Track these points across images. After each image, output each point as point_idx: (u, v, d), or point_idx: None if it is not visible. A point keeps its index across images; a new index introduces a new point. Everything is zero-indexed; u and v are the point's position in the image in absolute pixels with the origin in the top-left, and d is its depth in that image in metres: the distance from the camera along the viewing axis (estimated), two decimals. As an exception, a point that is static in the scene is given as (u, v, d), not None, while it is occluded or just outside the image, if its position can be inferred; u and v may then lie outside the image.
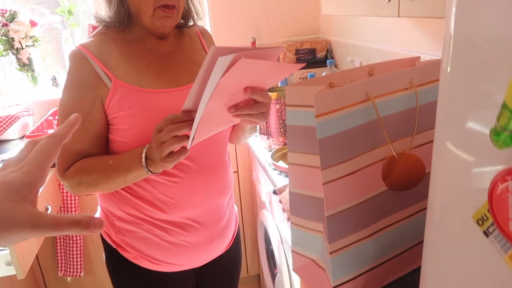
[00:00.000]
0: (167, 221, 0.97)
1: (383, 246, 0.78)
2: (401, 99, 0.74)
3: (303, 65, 0.82)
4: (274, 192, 1.24)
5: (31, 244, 1.44)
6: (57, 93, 2.25)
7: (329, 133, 0.68)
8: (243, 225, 2.04)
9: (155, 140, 0.78)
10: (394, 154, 0.73)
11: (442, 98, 0.47)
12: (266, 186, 1.56)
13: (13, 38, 2.03)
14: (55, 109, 2.09)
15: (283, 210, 1.17)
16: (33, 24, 2.05)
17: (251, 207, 2.03)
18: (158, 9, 0.89)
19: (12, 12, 2.03)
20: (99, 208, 1.08)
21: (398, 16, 1.03)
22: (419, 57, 0.86)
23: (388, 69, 0.85)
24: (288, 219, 1.10)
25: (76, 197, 1.74)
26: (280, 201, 1.18)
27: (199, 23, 1.07)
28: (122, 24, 0.93)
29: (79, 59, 0.90)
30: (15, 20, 2.02)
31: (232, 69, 0.67)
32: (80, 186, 0.91)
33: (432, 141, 0.76)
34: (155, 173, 0.86)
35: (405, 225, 0.80)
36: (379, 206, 0.78)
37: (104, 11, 0.94)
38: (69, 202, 1.73)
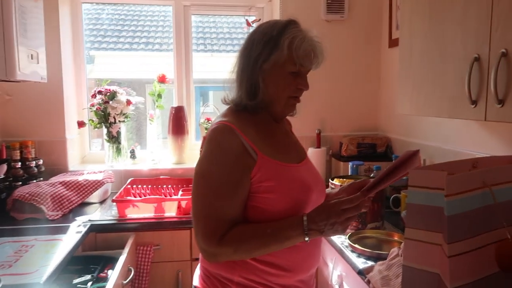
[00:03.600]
0: (282, 285, 1.05)
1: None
2: (513, 189, 0.85)
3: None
4: (360, 273, 1.29)
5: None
6: (134, 165, 2.47)
7: (456, 211, 0.78)
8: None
9: (342, 215, 0.95)
10: (508, 236, 0.82)
11: None
12: (338, 269, 1.60)
13: (109, 114, 2.32)
14: (132, 178, 2.28)
15: (372, 290, 1.21)
16: (128, 103, 2.36)
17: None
18: (290, 99, 1.09)
19: (113, 92, 2.35)
20: (198, 273, 1.15)
21: (485, 120, 1.16)
22: (517, 155, 0.98)
23: (490, 163, 0.97)
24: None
25: (149, 263, 1.82)
26: (369, 281, 1.22)
27: None
28: (256, 109, 1.08)
29: (229, 133, 1.00)
30: (115, 98, 2.33)
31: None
32: (235, 254, 0.98)
33: (543, 228, 0.84)
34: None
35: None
36: (491, 286, 0.84)
37: (243, 98, 1.07)
38: (142, 267, 1.81)
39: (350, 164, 2.14)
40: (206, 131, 2.42)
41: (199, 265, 1.19)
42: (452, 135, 1.83)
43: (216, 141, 1.02)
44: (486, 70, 1.12)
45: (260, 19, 2.59)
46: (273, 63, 1.04)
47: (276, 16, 2.47)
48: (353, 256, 1.44)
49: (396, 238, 1.55)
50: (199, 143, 2.60)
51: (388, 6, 2.34)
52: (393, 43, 2.29)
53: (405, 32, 1.59)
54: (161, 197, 2.07)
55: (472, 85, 1.16)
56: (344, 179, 1.87)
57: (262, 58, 1.04)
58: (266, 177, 1.01)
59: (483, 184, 0.82)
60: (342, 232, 0.98)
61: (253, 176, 1.01)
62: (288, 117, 1.24)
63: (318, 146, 2.40)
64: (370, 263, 1.35)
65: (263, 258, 1.02)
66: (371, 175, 2.04)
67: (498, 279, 0.84)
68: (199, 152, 1.09)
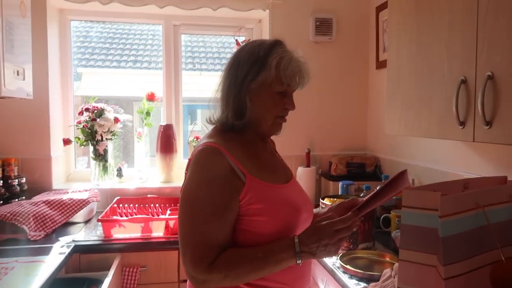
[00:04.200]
0: None
1: None
2: (505, 210, 0.85)
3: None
4: (354, 294, 1.27)
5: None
6: (121, 183, 2.42)
7: (451, 232, 0.78)
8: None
9: (334, 236, 0.95)
10: (503, 258, 0.82)
11: None
12: (329, 290, 1.58)
13: (96, 131, 2.29)
14: (118, 197, 2.23)
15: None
16: (116, 120, 2.33)
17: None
18: (277, 118, 1.09)
19: (101, 109, 2.32)
20: None
21: (473, 141, 1.18)
22: (506, 177, 0.99)
23: (480, 184, 0.97)
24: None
25: (135, 286, 1.76)
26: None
27: None
28: (243, 129, 1.07)
29: (216, 154, 0.99)
30: (102, 116, 2.30)
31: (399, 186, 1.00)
32: (224, 280, 0.94)
33: (536, 250, 0.85)
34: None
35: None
36: (486, 309, 0.83)
37: (230, 117, 1.06)
38: (127, 289, 1.75)
39: (340, 183, 2.14)
40: (195, 149, 2.40)
41: None
42: (440, 155, 1.86)
43: (203, 163, 1.00)
44: (473, 92, 1.14)
45: (249, 39, 2.61)
46: (260, 83, 1.03)
47: (266, 36, 2.50)
48: (345, 278, 1.42)
49: (387, 259, 1.54)
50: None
51: (375, 28, 2.40)
52: (381, 64, 2.34)
53: (392, 54, 1.62)
54: (149, 216, 2.02)
55: (459, 107, 1.18)
56: (335, 199, 1.87)
57: (249, 77, 1.03)
58: (255, 199, 0.99)
59: (476, 205, 0.82)
60: (335, 253, 0.98)
61: (242, 199, 0.99)
62: (272, 137, 1.23)
63: (308, 165, 2.40)
64: (362, 284, 1.34)
65: (254, 282, 1.00)
66: (361, 195, 2.04)
67: (493, 301, 0.83)
68: (184, 174, 1.07)
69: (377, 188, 1.07)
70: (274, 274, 1.00)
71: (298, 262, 0.96)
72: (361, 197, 1.66)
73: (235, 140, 1.06)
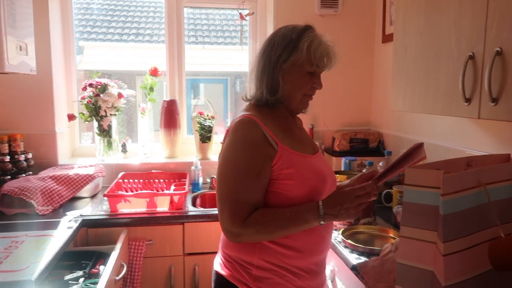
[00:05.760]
0: (299, 267, 1.13)
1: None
2: (507, 188, 0.86)
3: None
4: (353, 268, 1.30)
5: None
6: (125, 159, 2.44)
7: (451, 210, 0.79)
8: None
9: (355, 201, 1.05)
10: (502, 235, 0.83)
11: None
12: (330, 264, 1.61)
13: (100, 107, 2.29)
14: (123, 172, 2.26)
15: (365, 284, 1.22)
16: (120, 96, 2.32)
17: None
18: (305, 96, 1.21)
19: (104, 85, 2.31)
20: (218, 259, 1.22)
21: (478, 118, 1.17)
22: (509, 154, 0.99)
23: (484, 162, 0.98)
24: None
25: (141, 259, 1.81)
26: (362, 277, 1.23)
27: None
28: (275, 105, 1.18)
29: (252, 124, 1.10)
30: (106, 91, 2.29)
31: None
32: (257, 234, 1.07)
33: (536, 227, 0.86)
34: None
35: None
36: (484, 284, 0.85)
37: (265, 94, 1.16)
38: (134, 262, 1.80)
39: (343, 159, 2.15)
40: (198, 125, 2.40)
41: (219, 252, 1.26)
42: (444, 132, 1.85)
43: (241, 132, 1.10)
44: (480, 69, 1.12)
45: (253, 13, 2.56)
46: (292, 63, 1.14)
47: (270, 9, 2.45)
48: (346, 252, 1.45)
49: (388, 234, 1.56)
50: (191, 137, 2.59)
51: (382, 1, 2.34)
52: (387, 38, 2.30)
53: (399, 29, 1.59)
54: (153, 191, 2.05)
55: (466, 83, 1.17)
56: (338, 174, 1.88)
57: (282, 58, 1.14)
58: (285, 165, 1.10)
59: (478, 183, 0.82)
60: (355, 216, 1.08)
61: (274, 164, 1.09)
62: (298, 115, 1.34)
63: (311, 141, 2.40)
64: (363, 258, 1.36)
65: (281, 241, 1.11)
66: (363, 170, 2.05)
67: (491, 276, 0.85)
68: (221, 144, 1.18)
69: (396, 159, 1.13)
70: (299, 234, 1.10)
71: (321, 223, 1.07)
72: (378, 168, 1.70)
73: (268, 114, 1.17)
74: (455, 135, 1.78)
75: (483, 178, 0.83)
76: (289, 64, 1.14)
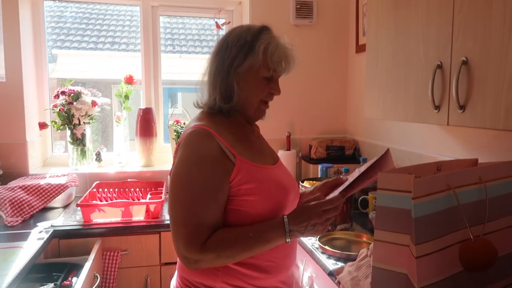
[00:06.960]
0: (265, 287, 1.06)
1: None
2: (475, 191, 0.89)
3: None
4: (330, 274, 1.31)
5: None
6: (100, 168, 2.39)
7: (422, 213, 0.81)
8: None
9: (322, 216, 0.97)
10: (471, 237, 0.85)
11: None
12: (308, 270, 1.62)
13: (73, 115, 2.24)
14: (98, 182, 2.21)
15: (341, 291, 1.23)
16: (94, 104, 2.28)
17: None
18: (261, 104, 1.12)
19: (78, 92, 2.26)
20: (174, 284, 1.13)
21: (447, 125, 1.22)
22: (477, 159, 1.03)
23: (453, 166, 1.01)
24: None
25: (116, 269, 1.76)
26: (339, 282, 1.24)
27: None
28: (230, 112, 1.09)
29: (206, 136, 1.00)
30: (79, 99, 2.25)
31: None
32: (218, 259, 0.96)
33: (502, 229, 0.89)
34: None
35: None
36: (455, 285, 0.88)
37: (218, 100, 1.07)
38: (108, 273, 1.75)
39: (319, 166, 2.18)
40: (175, 133, 2.38)
41: (175, 276, 1.16)
42: (416, 139, 1.90)
43: (193, 145, 1.00)
44: (448, 77, 1.17)
45: (229, 22, 2.58)
46: (247, 68, 1.05)
47: (246, 19, 2.48)
48: (323, 258, 1.46)
49: (364, 239, 1.59)
50: (168, 145, 2.56)
51: (355, 12, 2.40)
52: (360, 48, 2.36)
53: (371, 39, 1.64)
54: (129, 201, 2.01)
55: (435, 91, 1.21)
56: (314, 182, 1.90)
57: (237, 62, 1.05)
58: (245, 180, 1.01)
59: (448, 186, 0.85)
60: (322, 232, 1.01)
61: (232, 179, 1.00)
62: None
63: (288, 149, 2.42)
64: (340, 264, 1.38)
65: (245, 260, 1.02)
66: (341, 176, 2.08)
67: (462, 277, 0.88)
68: (172, 156, 1.06)
69: (356, 169, 1.10)
70: (263, 252, 1.02)
71: (287, 240, 0.99)
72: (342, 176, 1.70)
73: (223, 123, 1.08)
74: (427, 141, 1.83)
75: (452, 181, 0.86)
76: (244, 68, 1.05)
